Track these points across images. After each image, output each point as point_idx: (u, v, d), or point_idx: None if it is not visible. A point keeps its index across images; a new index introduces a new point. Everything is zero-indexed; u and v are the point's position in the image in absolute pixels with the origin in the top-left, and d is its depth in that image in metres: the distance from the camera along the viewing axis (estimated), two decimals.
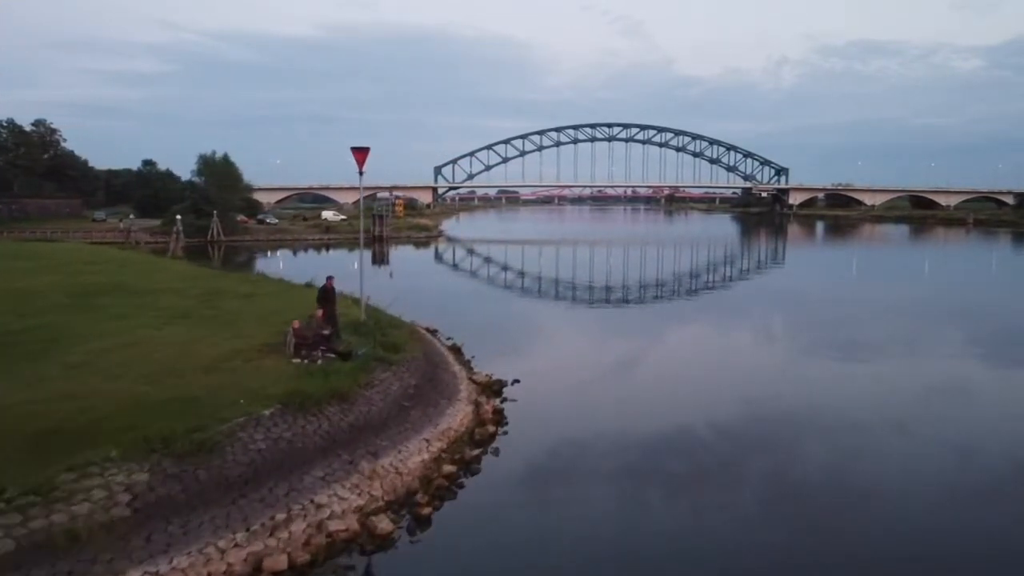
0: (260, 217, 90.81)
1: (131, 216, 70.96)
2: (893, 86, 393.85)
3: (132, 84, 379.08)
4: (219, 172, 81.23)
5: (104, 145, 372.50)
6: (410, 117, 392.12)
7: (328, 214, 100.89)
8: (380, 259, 75.48)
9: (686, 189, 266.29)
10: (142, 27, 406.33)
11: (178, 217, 63.50)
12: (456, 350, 25.49)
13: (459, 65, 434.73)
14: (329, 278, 20.79)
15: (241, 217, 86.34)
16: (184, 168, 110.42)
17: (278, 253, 77.55)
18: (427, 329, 28.80)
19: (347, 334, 21.03)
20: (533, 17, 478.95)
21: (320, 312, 19.34)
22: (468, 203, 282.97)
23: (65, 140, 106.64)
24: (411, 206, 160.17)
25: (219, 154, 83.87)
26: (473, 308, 39.26)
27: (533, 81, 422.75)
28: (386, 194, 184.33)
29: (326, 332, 19.01)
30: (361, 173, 22.59)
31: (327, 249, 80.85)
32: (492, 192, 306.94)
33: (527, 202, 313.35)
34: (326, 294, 20.33)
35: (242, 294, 28.24)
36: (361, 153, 21.82)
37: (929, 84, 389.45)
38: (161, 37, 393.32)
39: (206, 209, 77.32)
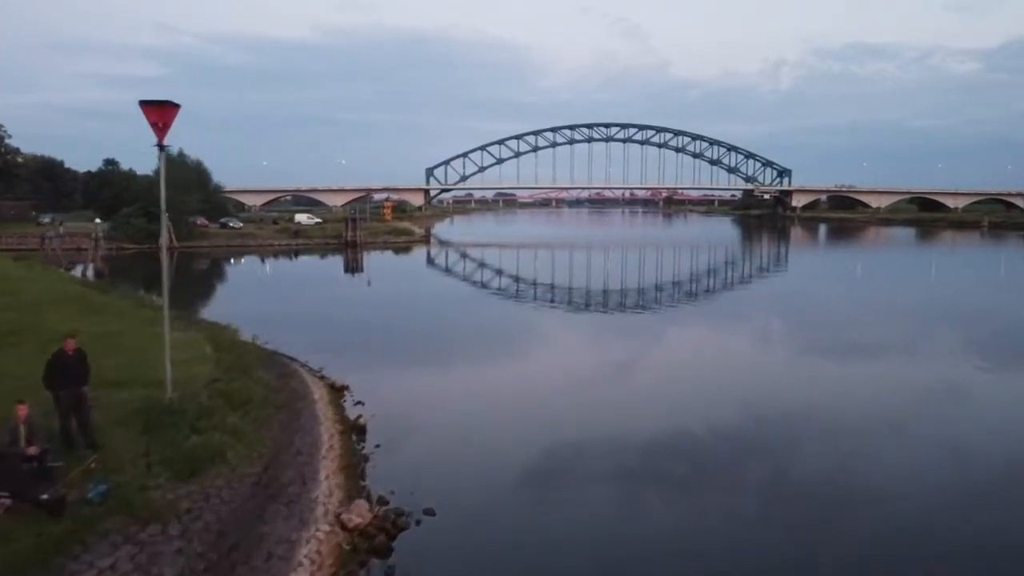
0: (223, 220, 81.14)
1: (49, 219, 61.24)
2: (890, 88, 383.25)
3: (129, 87, 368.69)
4: (174, 170, 71.51)
5: (101, 149, 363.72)
6: (408, 119, 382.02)
7: (302, 217, 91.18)
8: (353, 267, 66.35)
9: (684, 192, 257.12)
10: (139, 31, 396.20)
11: (97, 221, 53.82)
12: (356, 430, 15.89)
13: (458, 68, 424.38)
14: (68, 338, 11.07)
15: (201, 220, 76.80)
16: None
17: (242, 260, 68.20)
18: (333, 386, 19.26)
19: (127, 432, 11.48)
20: (532, 20, 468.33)
21: (22, 410, 9.67)
22: (464, 206, 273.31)
23: (10, 136, 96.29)
24: (401, 209, 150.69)
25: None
26: (431, 334, 29.55)
27: (531, 83, 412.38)
28: (384, 195, 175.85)
29: (30, 452, 9.41)
30: (161, 147, 12.98)
31: (295, 255, 71.61)
32: (489, 195, 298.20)
33: (524, 205, 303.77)
34: (59, 366, 10.69)
35: (43, 339, 18.46)
36: (158, 112, 12.20)
37: (926, 86, 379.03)
38: (158, 40, 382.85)
39: (157, 212, 67.69)
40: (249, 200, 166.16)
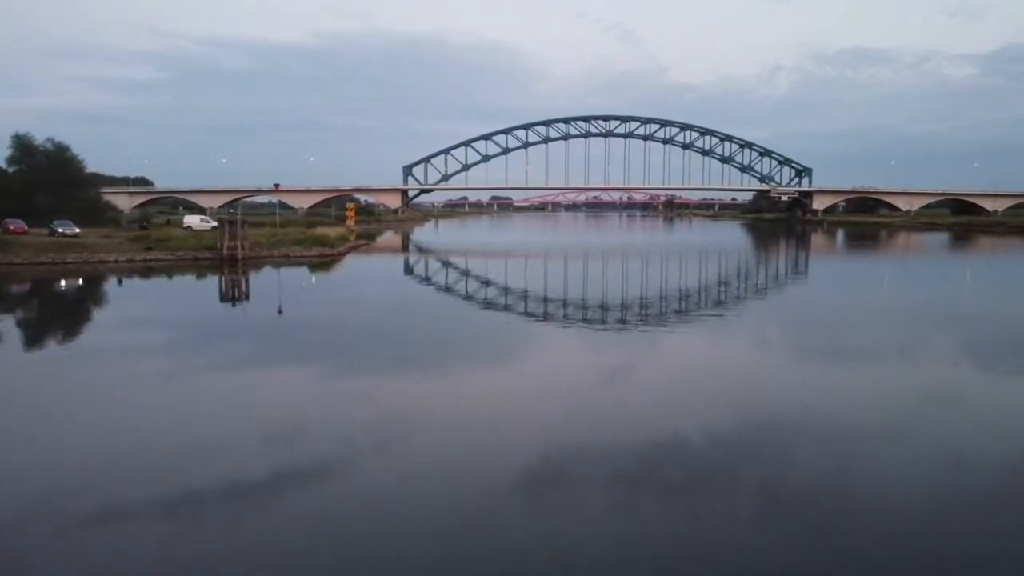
0: (53, 225, 53.43)
1: None
2: (887, 93, 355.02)
3: (126, 92, 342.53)
4: None
5: (98, 153, 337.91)
6: (403, 124, 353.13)
7: (193, 220, 64.25)
8: (233, 293, 39.77)
9: (684, 196, 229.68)
10: (136, 34, 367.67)
11: None
12: None
13: (453, 72, 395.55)
14: None
15: (16, 225, 49.74)
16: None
17: (80, 282, 41.47)
18: None
19: None
20: (528, 25, 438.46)
21: None
22: (455, 209, 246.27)
23: None
24: (368, 211, 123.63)
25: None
26: None
27: (528, 88, 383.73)
28: (368, 197, 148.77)
29: None
30: None
31: (169, 276, 44.63)
32: (485, 198, 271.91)
33: (519, 208, 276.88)
34: None
35: None
36: None
37: (923, 91, 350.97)
38: (155, 45, 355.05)
39: None
40: (206, 201, 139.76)
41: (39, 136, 65.83)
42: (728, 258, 63.00)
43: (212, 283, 43.29)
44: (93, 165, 78.37)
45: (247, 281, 43.47)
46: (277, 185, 70.47)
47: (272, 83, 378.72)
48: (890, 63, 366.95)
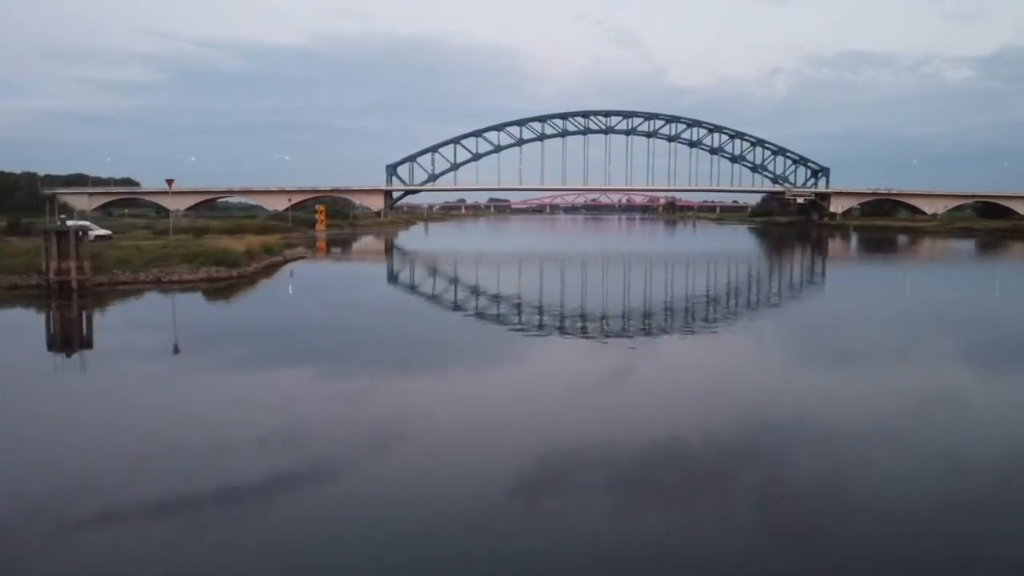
0: None
1: None
2: (886, 96, 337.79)
3: (125, 93, 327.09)
4: None
5: (97, 154, 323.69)
6: (402, 125, 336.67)
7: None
8: (61, 340, 23.96)
9: (686, 197, 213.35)
10: (134, 36, 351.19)
11: None
12: None
13: (453, 74, 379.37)
14: None
15: None
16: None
17: None
18: None
19: None
20: (527, 27, 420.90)
21: None
22: (452, 211, 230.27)
23: None
24: (343, 214, 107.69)
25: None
26: None
27: (526, 90, 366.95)
28: (352, 199, 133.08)
29: None
30: None
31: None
32: (482, 199, 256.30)
33: (517, 210, 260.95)
34: None
35: None
36: None
37: (922, 94, 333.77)
38: (153, 46, 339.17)
39: None
40: (172, 203, 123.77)
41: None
42: (746, 267, 46.95)
43: (40, 332, 26.99)
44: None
45: (90, 316, 27.50)
46: (170, 182, 55.59)
47: (271, 85, 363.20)
48: (889, 65, 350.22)
